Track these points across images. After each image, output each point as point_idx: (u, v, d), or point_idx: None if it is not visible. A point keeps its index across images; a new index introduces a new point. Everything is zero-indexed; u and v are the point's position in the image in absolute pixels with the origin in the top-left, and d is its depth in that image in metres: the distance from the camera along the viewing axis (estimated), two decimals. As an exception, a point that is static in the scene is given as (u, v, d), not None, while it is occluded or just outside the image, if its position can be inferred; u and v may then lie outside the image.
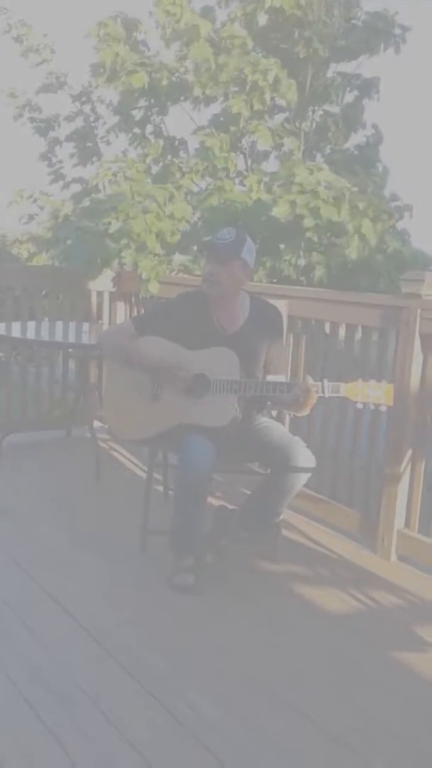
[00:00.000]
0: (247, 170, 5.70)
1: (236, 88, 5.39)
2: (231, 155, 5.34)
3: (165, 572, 2.38)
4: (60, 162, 7.99)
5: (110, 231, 3.97)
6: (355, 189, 4.41)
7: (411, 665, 2.03)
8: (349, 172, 4.96)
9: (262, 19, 5.40)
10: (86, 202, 6.46)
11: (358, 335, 2.91)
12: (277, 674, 1.96)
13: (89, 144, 7.72)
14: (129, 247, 3.88)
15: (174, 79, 5.61)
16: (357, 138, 6.09)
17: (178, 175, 5.44)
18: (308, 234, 4.33)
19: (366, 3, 5.84)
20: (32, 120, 7.96)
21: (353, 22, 5.69)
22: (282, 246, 4.55)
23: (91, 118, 7.81)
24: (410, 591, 2.48)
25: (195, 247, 4.43)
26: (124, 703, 1.78)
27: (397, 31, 5.51)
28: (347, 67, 5.89)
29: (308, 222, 4.23)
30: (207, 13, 5.78)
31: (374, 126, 6.06)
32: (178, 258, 4.16)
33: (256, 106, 5.27)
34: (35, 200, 8.35)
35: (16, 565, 2.46)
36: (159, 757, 1.60)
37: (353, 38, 5.57)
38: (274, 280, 4.81)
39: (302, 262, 4.56)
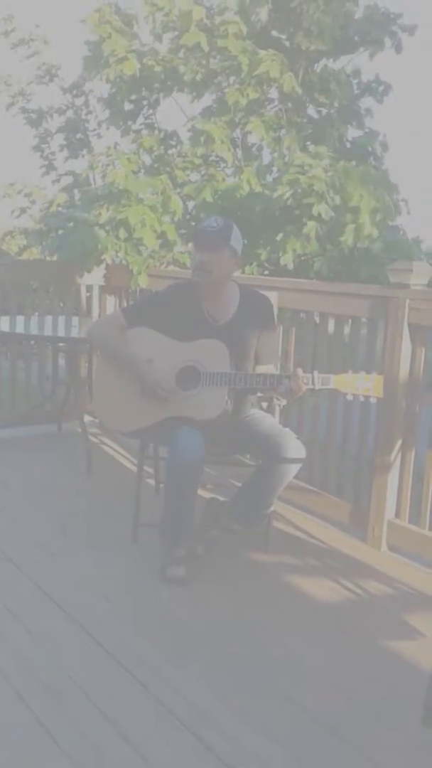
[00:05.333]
0: (238, 161, 5.67)
1: (233, 77, 5.34)
2: (230, 144, 5.30)
3: (156, 564, 2.39)
4: (52, 154, 7.94)
5: (101, 221, 3.96)
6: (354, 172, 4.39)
7: (401, 653, 2.04)
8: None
9: (264, 14, 5.35)
10: (76, 195, 6.41)
11: (348, 326, 2.91)
12: (268, 662, 1.96)
13: (80, 136, 7.68)
14: (119, 238, 3.86)
15: (166, 67, 5.55)
16: (354, 133, 6.06)
17: (171, 166, 5.41)
18: (310, 223, 4.30)
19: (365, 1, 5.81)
20: (23, 110, 7.91)
21: (354, 16, 5.65)
22: (280, 235, 4.52)
23: (83, 111, 7.77)
24: (400, 580, 2.49)
25: (183, 231, 4.42)
26: (115, 694, 1.79)
27: (396, 28, 5.48)
28: (345, 61, 5.87)
29: (317, 206, 4.19)
30: (201, 1, 5.74)
31: (367, 110, 5.99)
32: (177, 249, 4.14)
33: (252, 95, 5.21)
34: (26, 194, 8.30)
35: (7, 559, 2.46)
36: (151, 747, 1.61)
37: (350, 31, 5.54)
38: (266, 272, 4.80)
39: (299, 252, 4.54)
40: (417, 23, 5.59)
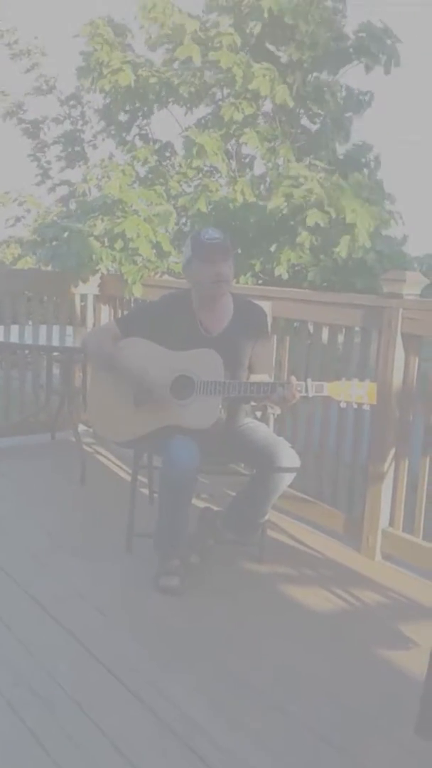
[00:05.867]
0: (232, 172, 5.69)
1: (228, 90, 5.36)
2: (224, 155, 5.32)
3: (150, 574, 2.38)
4: (48, 163, 7.99)
5: (96, 233, 3.97)
6: (347, 187, 4.42)
7: (395, 663, 2.04)
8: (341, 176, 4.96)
9: (257, 27, 5.36)
10: (72, 205, 6.42)
11: (341, 335, 2.93)
12: (263, 673, 1.96)
13: (77, 148, 7.72)
14: (114, 249, 3.88)
15: (161, 78, 5.57)
16: (346, 146, 6.09)
17: (165, 178, 5.43)
18: (304, 234, 4.32)
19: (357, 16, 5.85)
20: (20, 121, 7.97)
21: (343, 29, 5.68)
22: (273, 246, 4.54)
23: (80, 123, 7.82)
24: (394, 589, 2.49)
25: (178, 243, 4.43)
26: (109, 705, 1.78)
27: (389, 42, 5.49)
28: (341, 73, 5.89)
29: (311, 217, 4.23)
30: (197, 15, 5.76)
31: (359, 121, 6.01)
32: (172, 260, 4.17)
33: (248, 111, 5.24)
34: (21, 203, 8.34)
35: None
36: (144, 758, 1.60)
37: (346, 43, 5.57)
38: (260, 282, 4.81)
39: (293, 262, 4.55)
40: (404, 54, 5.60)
